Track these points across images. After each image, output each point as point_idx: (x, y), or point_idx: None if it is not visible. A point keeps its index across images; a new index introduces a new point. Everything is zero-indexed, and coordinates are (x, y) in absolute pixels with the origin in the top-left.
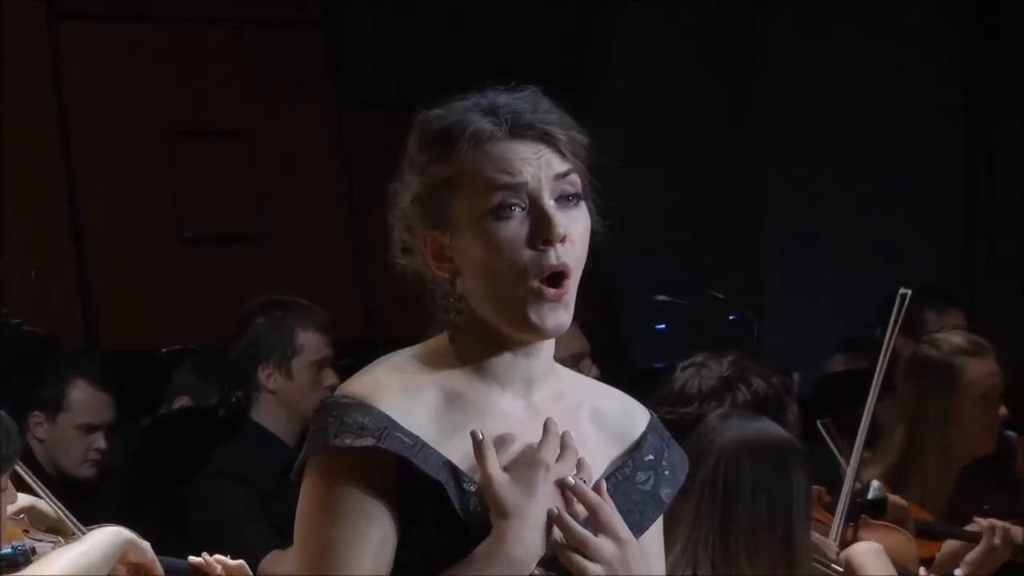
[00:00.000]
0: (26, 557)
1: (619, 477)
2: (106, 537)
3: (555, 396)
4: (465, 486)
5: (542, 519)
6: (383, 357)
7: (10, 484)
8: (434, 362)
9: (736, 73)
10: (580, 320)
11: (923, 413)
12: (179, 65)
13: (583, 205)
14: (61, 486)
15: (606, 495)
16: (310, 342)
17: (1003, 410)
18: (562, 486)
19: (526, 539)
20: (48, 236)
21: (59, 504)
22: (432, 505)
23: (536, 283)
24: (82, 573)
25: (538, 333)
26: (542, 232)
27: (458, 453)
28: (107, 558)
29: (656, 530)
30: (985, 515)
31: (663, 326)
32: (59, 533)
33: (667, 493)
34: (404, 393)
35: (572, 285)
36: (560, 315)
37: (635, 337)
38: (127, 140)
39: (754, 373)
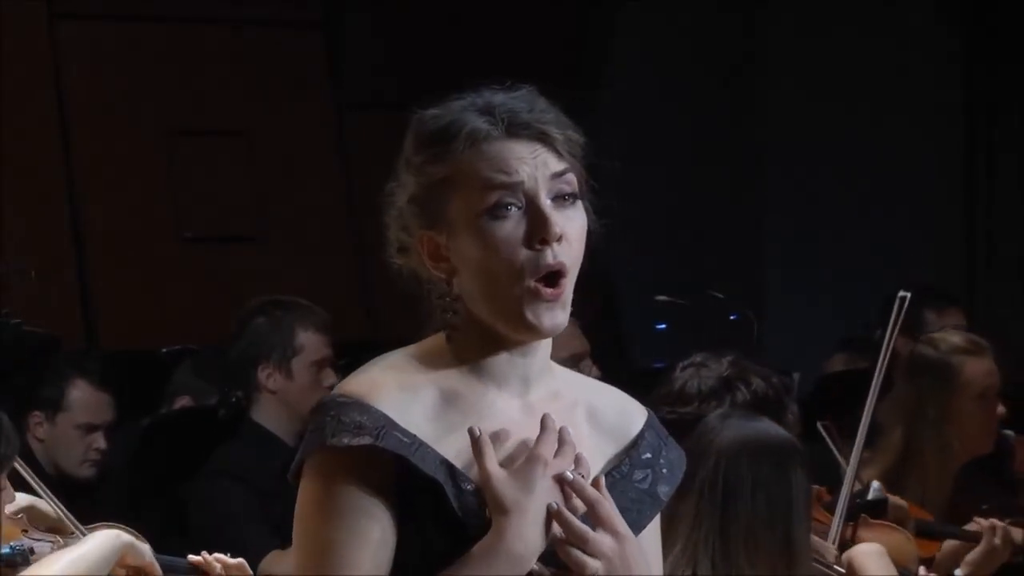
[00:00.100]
0: (24, 557)
1: (616, 475)
2: (104, 540)
3: (552, 395)
4: (462, 485)
5: (541, 514)
6: (380, 356)
7: (8, 484)
8: (431, 361)
9: (736, 73)
10: (580, 320)
11: (921, 413)
12: (179, 65)
13: (580, 204)
14: (61, 486)
15: (605, 491)
16: (310, 342)
17: (1001, 409)
18: (561, 481)
19: (526, 535)
20: (48, 236)
21: (59, 504)
22: (430, 504)
23: (533, 283)
24: (80, 575)
25: (535, 333)
26: (539, 231)
27: (455, 452)
28: (105, 561)
29: (654, 528)
30: (984, 515)
31: (663, 326)
32: (58, 533)
33: (665, 491)
34: (401, 392)
35: (569, 284)
36: (557, 314)
37: (635, 337)
38: (127, 140)
39: (753, 373)
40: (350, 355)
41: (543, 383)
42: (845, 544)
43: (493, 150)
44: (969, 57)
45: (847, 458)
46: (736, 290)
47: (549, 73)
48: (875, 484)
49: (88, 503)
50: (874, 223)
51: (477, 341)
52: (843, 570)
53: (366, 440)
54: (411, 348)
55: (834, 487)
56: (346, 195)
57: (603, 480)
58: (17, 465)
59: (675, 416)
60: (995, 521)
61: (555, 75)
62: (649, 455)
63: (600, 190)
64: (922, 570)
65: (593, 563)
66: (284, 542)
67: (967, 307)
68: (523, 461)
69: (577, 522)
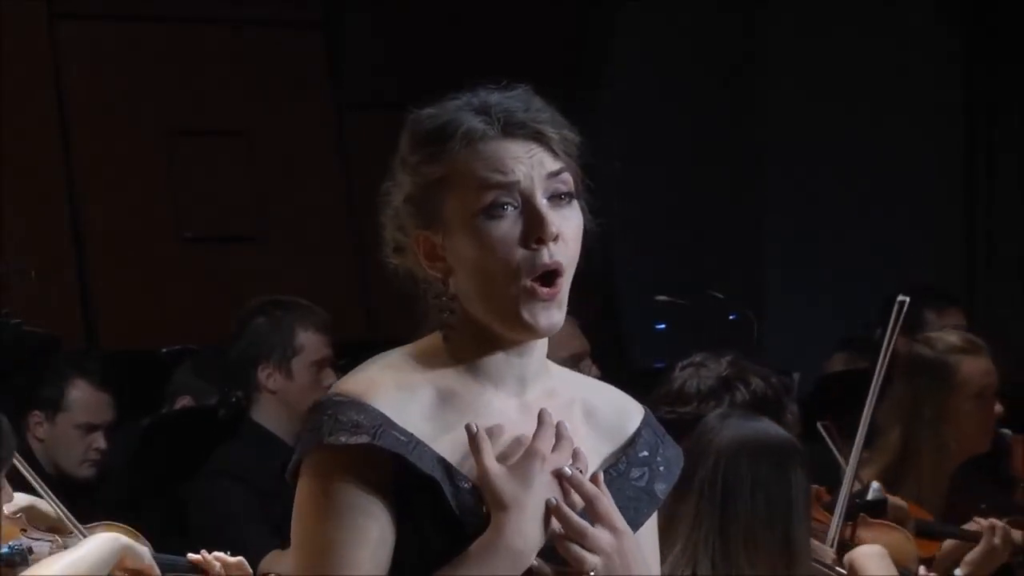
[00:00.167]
0: (23, 556)
1: (613, 474)
2: (102, 543)
3: (548, 394)
4: (459, 483)
5: (540, 510)
6: (377, 356)
7: (6, 483)
8: (428, 361)
9: (736, 73)
10: (580, 320)
11: (918, 412)
12: (179, 65)
13: (576, 204)
14: (61, 486)
15: (603, 486)
16: (310, 342)
17: (998, 408)
18: (559, 476)
19: (525, 530)
20: (48, 236)
21: (59, 504)
22: (427, 502)
23: (529, 282)
24: None
25: (531, 332)
26: (535, 231)
27: (452, 451)
28: (103, 563)
29: (651, 526)
30: (982, 514)
31: (663, 326)
32: (58, 533)
33: (662, 489)
34: (399, 391)
35: (565, 284)
36: (553, 314)
37: (635, 337)
38: (127, 140)
39: (753, 373)
40: (350, 355)
41: (540, 382)
42: (844, 544)
43: (489, 150)
44: (969, 57)
45: (847, 458)
46: (736, 290)
47: (549, 73)
48: (875, 484)
49: (88, 503)
50: (874, 223)
51: (473, 341)
52: (843, 571)
53: (363, 439)
54: (408, 347)
55: (834, 487)
56: (346, 195)
57: (601, 476)
58: (17, 464)
59: (674, 416)
60: (995, 521)
61: (555, 75)
62: (646, 453)
63: (600, 190)
64: (922, 570)
65: (592, 559)
66: (284, 542)
67: (967, 307)
68: (521, 456)
69: (576, 517)
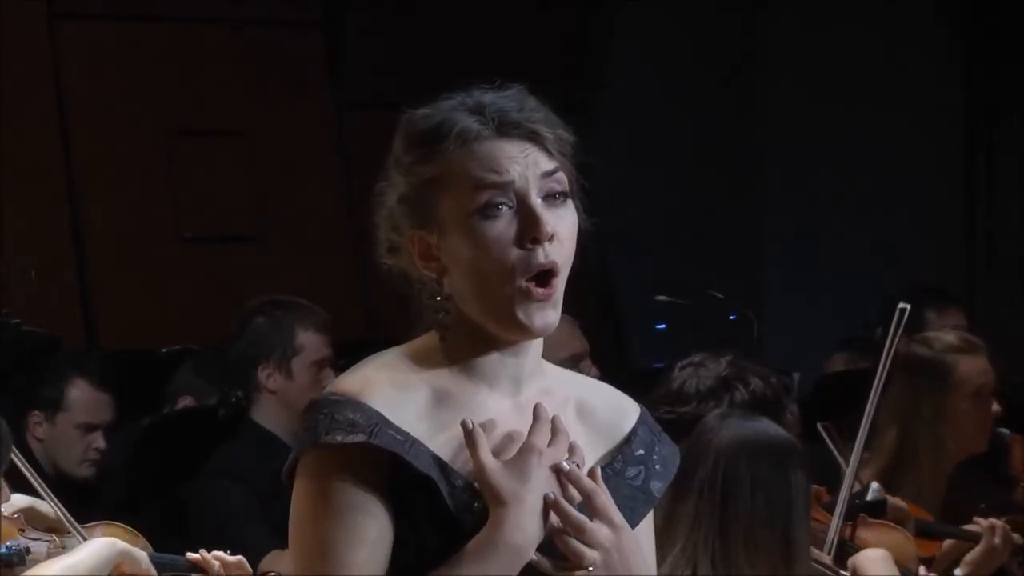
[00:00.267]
0: (21, 557)
1: (609, 472)
2: (100, 547)
3: (543, 394)
4: (455, 481)
5: (539, 504)
6: (372, 355)
7: (4, 483)
8: (423, 360)
9: (736, 73)
10: (580, 320)
11: (916, 412)
12: (179, 65)
13: (570, 203)
14: (60, 486)
15: (601, 482)
16: (310, 342)
17: (996, 407)
18: (557, 471)
19: (524, 525)
20: (48, 236)
21: (59, 505)
22: (424, 501)
23: (524, 282)
24: None
25: (526, 332)
26: (530, 231)
27: (447, 450)
28: (99, 568)
29: (647, 524)
30: (982, 514)
31: (663, 326)
32: (56, 533)
33: (658, 487)
34: (395, 390)
35: (560, 284)
36: (548, 314)
37: (635, 337)
38: (127, 140)
39: (752, 373)
40: (350, 355)
41: (535, 382)
42: (844, 544)
43: (483, 149)
44: (969, 57)
45: (847, 459)
46: (736, 290)
47: (549, 73)
48: (874, 485)
49: (88, 503)
50: (874, 223)
51: (468, 341)
52: (842, 571)
53: (360, 437)
54: (403, 347)
55: (834, 487)
56: (346, 195)
57: (599, 471)
58: (17, 463)
59: (674, 416)
60: (995, 521)
61: (555, 75)
62: (642, 451)
63: (601, 190)
64: (922, 570)
65: (591, 553)
66: (284, 542)
67: (967, 307)
68: (518, 452)
69: (575, 512)
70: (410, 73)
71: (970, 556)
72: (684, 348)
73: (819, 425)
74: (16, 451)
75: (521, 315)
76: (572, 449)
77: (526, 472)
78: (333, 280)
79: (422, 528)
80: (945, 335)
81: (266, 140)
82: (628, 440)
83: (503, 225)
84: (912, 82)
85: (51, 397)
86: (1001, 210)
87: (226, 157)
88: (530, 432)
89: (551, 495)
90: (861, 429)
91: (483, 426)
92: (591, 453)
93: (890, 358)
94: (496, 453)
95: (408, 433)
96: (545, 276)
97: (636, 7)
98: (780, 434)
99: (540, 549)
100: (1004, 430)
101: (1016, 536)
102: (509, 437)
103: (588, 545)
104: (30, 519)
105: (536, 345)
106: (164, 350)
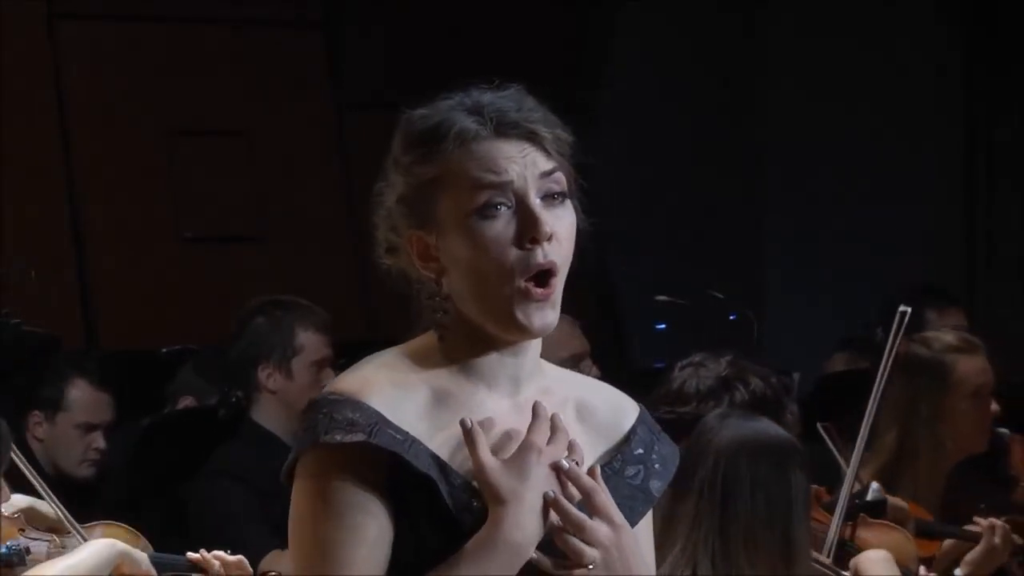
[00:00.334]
0: (20, 557)
1: (608, 472)
2: (99, 549)
3: (542, 393)
4: (454, 481)
5: (538, 503)
6: (371, 355)
7: (4, 483)
8: (422, 360)
9: (736, 73)
10: (580, 320)
11: (915, 411)
12: (179, 65)
13: (569, 203)
14: (60, 485)
15: (600, 480)
16: (310, 342)
17: (995, 407)
18: (556, 469)
19: (523, 523)
20: (48, 236)
21: (59, 505)
22: (423, 500)
23: (523, 282)
24: None
25: (525, 333)
26: (529, 231)
27: (446, 449)
28: (99, 570)
29: (646, 524)
30: (981, 513)
31: (663, 326)
32: (56, 533)
33: (657, 487)
34: (394, 389)
35: (559, 284)
36: (547, 314)
37: (635, 337)
38: (127, 140)
39: (752, 373)
40: (350, 355)
41: (533, 382)
42: (844, 544)
43: (482, 150)
44: (969, 57)
45: (847, 460)
46: (736, 290)
47: (549, 73)
48: (874, 485)
49: (88, 503)
50: (874, 223)
51: (467, 341)
52: (842, 571)
53: (359, 437)
54: (402, 347)
55: (834, 487)
56: (346, 195)
57: (598, 470)
58: (17, 463)
59: (673, 416)
60: (995, 520)
61: (555, 75)
62: (641, 451)
63: (601, 190)
64: (922, 570)
65: (591, 552)
66: (284, 542)
67: (967, 307)
68: (517, 450)
69: (574, 510)
70: (410, 73)
71: (970, 556)
72: (684, 348)
73: (819, 425)
74: (16, 451)
75: (520, 315)
76: (571, 447)
77: (525, 470)
78: (333, 280)
79: (421, 528)
80: (944, 335)
81: (266, 140)
82: (627, 439)
83: (502, 225)
84: (912, 82)
85: (51, 397)
86: (1001, 210)
87: (226, 157)
88: (529, 430)
89: (551, 493)
90: (862, 431)
91: (481, 424)
92: (590, 452)
93: (890, 362)
94: (495, 452)
95: (407, 432)
96: (544, 276)
97: (636, 7)
98: (780, 434)
99: (540, 547)
100: (1003, 430)
101: (1016, 536)
102: (508, 436)
103: (588, 543)
104: (30, 519)
105: (535, 345)
106: (164, 350)
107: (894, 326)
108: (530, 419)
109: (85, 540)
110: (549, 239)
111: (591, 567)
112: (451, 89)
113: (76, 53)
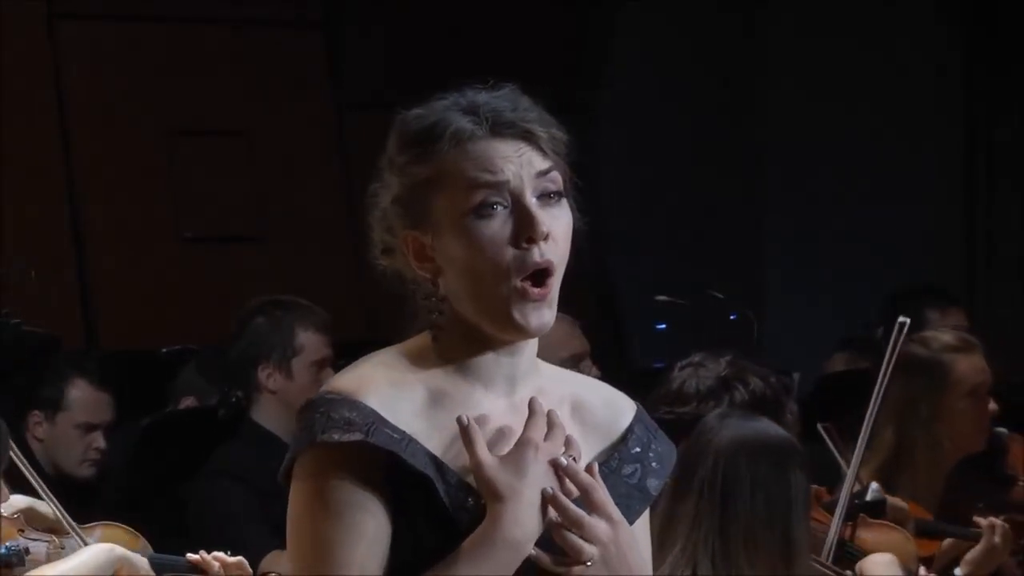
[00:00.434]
0: (20, 557)
1: (606, 470)
2: (98, 553)
3: (538, 393)
4: (451, 480)
5: (536, 499)
6: (368, 355)
7: (3, 484)
8: (419, 360)
9: (736, 73)
10: (580, 320)
11: (913, 411)
12: (179, 65)
13: (565, 202)
14: (60, 485)
15: (598, 477)
16: (310, 342)
17: (993, 406)
18: (554, 465)
19: (522, 520)
20: (48, 236)
21: (59, 506)
22: (420, 499)
23: (520, 282)
24: None
25: (522, 332)
26: (525, 230)
27: (443, 448)
28: (98, 574)
29: (643, 522)
30: (981, 513)
31: (663, 326)
32: (56, 534)
33: (654, 485)
34: (391, 388)
35: (555, 283)
36: (544, 314)
37: (635, 337)
38: (127, 140)
39: (752, 373)
40: (350, 355)
41: (530, 382)
42: (843, 544)
43: (478, 149)
44: (969, 57)
45: (847, 460)
46: (736, 290)
47: (549, 73)
48: (873, 485)
49: (88, 503)
50: (874, 223)
51: (463, 341)
52: (841, 571)
53: (356, 436)
54: (398, 347)
55: (833, 487)
56: (346, 195)
57: (596, 467)
58: (17, 463)
59: (673, 416)
60: (994, 520)
61: (555, 75)
62: (638, 449)
63: (601, 190)
64: (922, 570)
65: (589, 548)
66: (284, 542)
67: (967, 307)
68: (514, 446)
69: (573, 506)
70: (410, 73)
71: (970, 555)
72: (684, 348)
73: (819, 426)
74: (16, 451)
75: (517, 315)
76: (568, 443)
77: (523, 467)
78: (333, 280)
79: (418, 526)
80: (942, 334)
81: (266, 140)
82: (624, 438)
83: (498, 225)
84: (912, 82)
85: (51, 397)
86: (1001, 210)
87: (226, 157)
88: (526, 426)
89: (549, 489)
90: (862, 432)
91: (478, 421)
92: (587, 451)
93: (890, 370)
94: (492, 450)
95: (404, 432)
96: (541, 275)
97: (636, 7)
98: (780, 434)
99: (538, 544)
100: (1002, 429)
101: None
102: (505, 435)
103: (586, 540)
104: (29, 519)
105: (531, 345)
106: (164, 350)
107: (893, 336)
108: (526, 418)
109: (84, 541)
110: (545, 238)
111: (589, 564)
112: (450, 89)
113: (76, 53)
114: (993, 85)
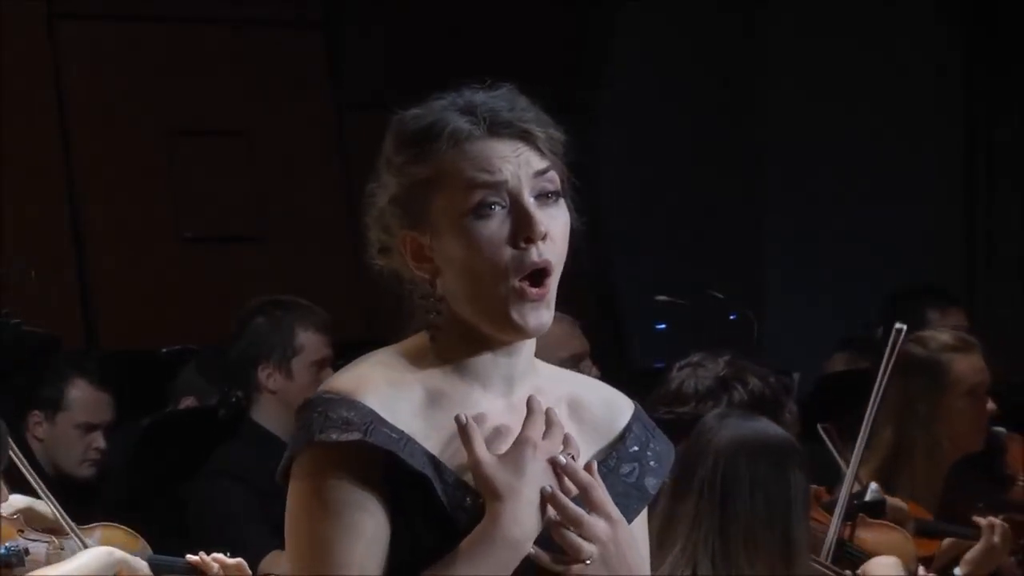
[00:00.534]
0: (19, 557)
1: (604, 470)
2: (98, 556)
3: (535, 393)
4: (448, 479)
5: (535, 497)
6: (366, 355)
7: (3, 484)
8: (416, 360)
9: (736, 73)
10: (580, 320)
11: (911, 411)
12: (179, 65)
13: (562, 202)
14: (60, 485)
15: (597, 475)
16: (310, 342)
17: (991, 406)
18: (553, 464)
19: (521, 519)
20: (48, 236)
21: (58, 507)
22: (419, 499)
23: (518, 282)
24: None
25: (520, 332)
26: (523, 230)
27: (441, 448)
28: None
29: (641, 521)
30: (980, 513)
31: (663, 326)
32: (55, 534)
33: (652, 484)
34: (389, 388)
35: (553, 283)
36: (542, 314)
37: (635, 337)
38: (127, 140)
39: (751, 373)
40: (349, 355)
41: (527, 382)
42: (843, 543)
43: (476, 149)
44: (969, 57)
45: (847, 460)
46: (736, 290)
47: (549, 73)
48: (873, 485)
49: (88, 503)
50: (874, 223)
51: (461, 341)
52: (841, 570)
53: (355, 436)
54: (396, 346)
55: (833, 487)
56: (346, 195)
57: (595, 465)
58: (17, 463)
59: (672, 416)
60: (994, 519)
61: (555, 75)
62: (636, 448)
63: (601, 190)
64: (921, 570)
65: (588, 547)
66: (284, 542)
67: (967, 307)
68: (512, 445)
69: (572, 505)
70: (410, 73)
71: (969, 555)
72: (684, 348)
73: (819, 426)
74: (16, 451)
75: (515, 315)
76: (567, 441)
77: (521, 465)
78: (333, 280)
79: (417, 526)
80: (940, 334)
81: (266, 140)
82: (622, 437)
83: (496, 225)
84: (912, 82)
85: (51, 397)
86: (1001, 210)
87: (226, 157)
88: (524, 425)
89: (547, 488)
90: (862, 433)
91: (476, 420)
92: (585, 450)
93: (887, 376)
94: (490, 450)
95: (403, 431)
96: (539, 275)
97: (636, 7)
98: (779, 434)
99: (537, 542)
100: (1000, 429)
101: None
102: (503, 435)
103: (585, 539)
104: (29, 520)
105: (529, 345)
106: (164, 350)
107: (890, 342)
108: (525, 417)
109: (83, 541)
110: (543, 238)
111: (588, 562)
112: (451, 89)
113: (76, 53)
114: (993, 85)
